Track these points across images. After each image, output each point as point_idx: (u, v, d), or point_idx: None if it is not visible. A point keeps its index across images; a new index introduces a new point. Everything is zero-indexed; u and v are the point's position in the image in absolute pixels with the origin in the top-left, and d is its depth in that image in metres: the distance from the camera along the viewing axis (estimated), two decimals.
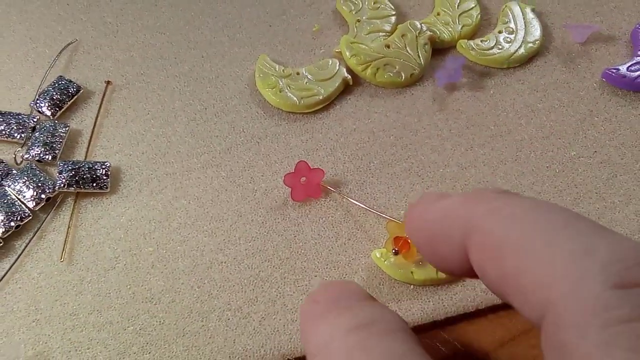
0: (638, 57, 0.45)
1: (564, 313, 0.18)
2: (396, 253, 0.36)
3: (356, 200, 0.39)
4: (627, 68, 0.44)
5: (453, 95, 0.45)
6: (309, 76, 0.45)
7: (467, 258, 0.22)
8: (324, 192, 0.40)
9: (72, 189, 0.39)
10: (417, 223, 0.25)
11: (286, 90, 0.44)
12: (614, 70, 0.44)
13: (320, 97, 0.44)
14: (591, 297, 0.17)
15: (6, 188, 0.39)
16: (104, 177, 0.40)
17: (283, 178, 0.40)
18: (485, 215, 0.21)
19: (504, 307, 0.36)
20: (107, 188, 0.40)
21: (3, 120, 0.41)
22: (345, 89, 0.45)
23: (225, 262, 0.37)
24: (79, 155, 0.42)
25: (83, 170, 0.39)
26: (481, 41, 0.46)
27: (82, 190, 0.39)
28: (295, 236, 0.39)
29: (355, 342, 0.21)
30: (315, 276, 0.37)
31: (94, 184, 0.39)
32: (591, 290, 0.17)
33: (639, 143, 0.42)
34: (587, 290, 0.17)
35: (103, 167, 0.40)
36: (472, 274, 0.23)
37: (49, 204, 0.39)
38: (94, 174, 0.39)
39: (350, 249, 0.38)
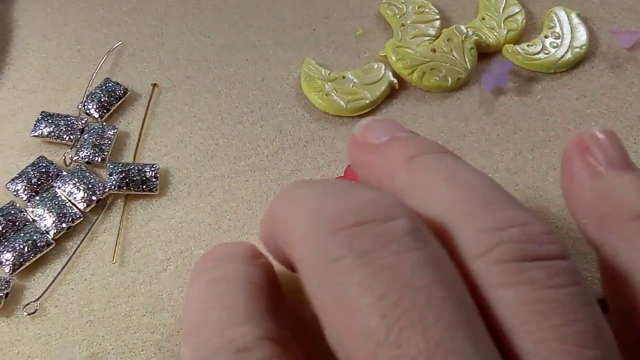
0: None
1: (302, 263, 0.22)
2: None
3: None
4: None
5: (500, 100, 0.44)
6: (355, 80, 0.44)
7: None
8: None
9: (122, 190, 0.39)
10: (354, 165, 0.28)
11: (332, 94, 0.44)
12: None
13: (367, 101, 0.44)
14: (316, 244, 0.21)
15: (57, 190, 0.39)
16: (153, 180, 0.40)
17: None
18: (275, 205, 0.25)
19: None
20: (156, 190, 0.40)
21: (52, 122, 0.42)
22: (392, 93, 0.45)
23: (275, 265, 0.37)
24: (127, 158, 0.42)
25: (132, 173, 0.39)
26: (527, 46, 0.46)
27: (132, 192, 0.39)
28: None
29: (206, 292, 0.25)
30: None
31: (144, 186, 0.39)
32: (316, 239, 0.21)
33: None
34: (313, 240, 0.21)
35: (152, 169, 0.40)
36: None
37: (99, 205, 0.39)
38: (143, 176, 0.39)
39: None
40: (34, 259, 0.36)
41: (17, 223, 0.38)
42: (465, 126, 0.43)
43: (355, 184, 0.24)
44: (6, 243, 0.37)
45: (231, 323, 0.24)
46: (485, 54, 0.47)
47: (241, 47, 0.48)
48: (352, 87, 0.44)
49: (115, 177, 0.39)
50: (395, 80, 0.45)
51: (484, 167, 0.41)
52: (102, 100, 0.43)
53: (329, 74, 0.45)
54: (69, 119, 0.42)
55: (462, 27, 0.46)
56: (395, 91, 0.45)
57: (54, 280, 0.36)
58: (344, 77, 0.45)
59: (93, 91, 0.43)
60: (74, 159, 0.40)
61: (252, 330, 0.23)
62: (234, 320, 0.24)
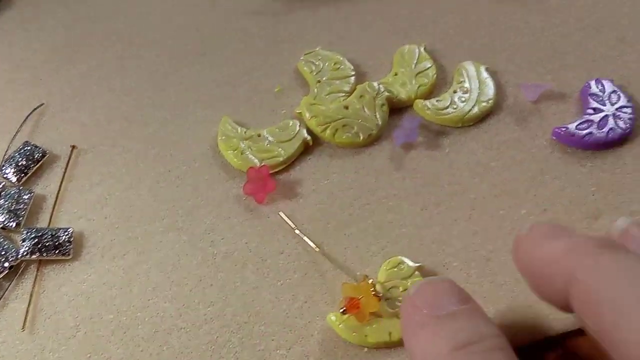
0: (586, 116, 0.47)
1: None
2: (344, 312, 0.37)
3: (311, 241, 0.40)
4: (576, 126, 0.46)
5: (410, 155, 0.46)
6: (270, 138, 0.46)
7: (567, 302, 0.25)
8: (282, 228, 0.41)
9: (35, 256, 0.40)
10: (523, 259, 0.28)
11: (247, 153, 0.45)
12: (563, 129, 0.46)
13: (281, 159, 0.45)
14: None
15: None
16: (67, 244, 0.41)
17: (242, 187, 0.43)
18: (586, 271, 0.24)
19: None
20: (69, 254, 0.41)
21: None
22: (306, 149, 0.46)
23: (184, 328, 0.38)
24: (43, 221, 0.43)
25: (46, 238, 0.40)
26: (437, 101, 0.48)
27: (45, 258, 0.40)
28: (253, 300, 0.40)
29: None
30: (272, 340, 0.38)
31: (57, 251, 0.40)
32: None
33: (586, 200, 0.43)
34: None
35: (66, 233, 0.41)
36: (572, 311, 0.25)
37: (12, 272, 0.40)
38: (56, 241, 0.40)
39: (307, 311, 0.39)
40: None
41: None
42: (376, 181, 0.45)
43: None
44: None
45: None
46: (397, 108, 0.49)
47: (162, 106, 0.49)
48: (267, 145, 0.46)
49: (28, 243, 0.40)
50: (309, 137, 0.46)
51: (391, 222, 0.43)
52: (20, 164, 0.44)
53: (245, 132, 0.46)
54: None
55: (374, 84, 0.48)
56: (309, 147, 0.46)
57: None
58: (259, 135, 0.46)
59: (12, 155, 0.44)
60: None
61: None
62: None
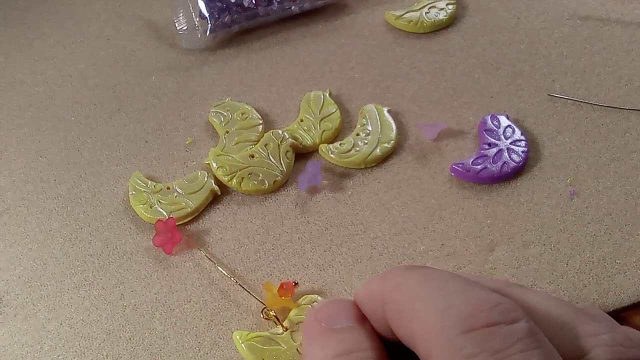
0: (482, 151, 0.49)
1: (435, 357, 0.24)
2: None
3: (222, 269, 0.42)
4: (472, 162, 0.48)
5: (315, 198, 0.48)
6: (179, 190, 0.48)
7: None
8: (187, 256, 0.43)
9: None
10: (360, 304, 0.31)
11: (157, 206, 0.47)
12: (460, 165, 0.48)
13: (189, 210, 0.47)
14: (448, 342, 0.24)
15: None
16: None
17: (152, 240, 0.45)
18: (391, 292, 0.28)
19: None
20: None
21: None
22: (215, 199, 0.48)
23: None
24: None
25: None
26: (340, 144, 0.50)
27: None
28: (160, 349, 0.41)
29: None
30: None
31: None
32: (448, 337, 0.24)
33: (481, 233, 0.45)
34: (445, 337, 0.24)
35: None
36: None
37: None
38: None
39: (213, 357, 0.41)
40: None
41: None
42: (281, 226, 0.47)
43: (473, 283, 0.27)
44: None
45: None
46: (303, 154, 0.51)
47: (76, 165, 0.51)
48: (176, 197, 0.47)
49: None
50: (217, 187, 0.48)
51: (295, 264, 0.45)
52: None
53: (154, 186, 0.48)
54: None
55: (279, 131, 0.50)
56: (218, 197, 0.48)
57: None
58: (168, 188, 0.48)
59: None
60: None
61: None
62: None
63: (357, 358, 0.28)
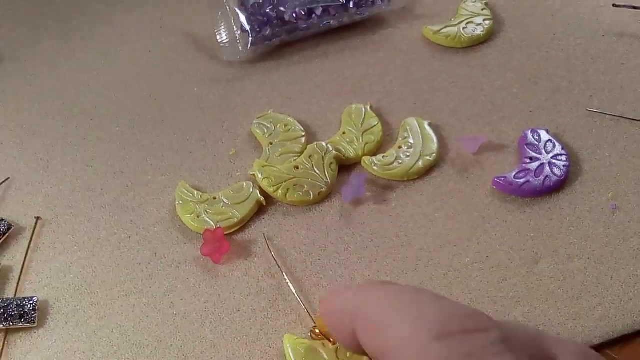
0: (524, 165, 0.49)
1: None
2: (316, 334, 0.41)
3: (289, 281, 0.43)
4: (514, 176, 0.49)
5: (358, 210, 0.49)
6: (225, 200, 0.48)
7: (357, 338, 0.29)
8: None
9: (1, 326, 0.42)
10: (325, 315, 0.33)
11: (204, 215, 0.47)
12: (502, 178, 0.49)
13: (236, 220, 0.47)
14: (422, 347, 0.25)
15: None
16: (32, 312, 0.43)
17: (200, 250, 0.46)
18: (363, 304, 0.29)
19: None
20: (34, 323, 0.42)
21: None
22: (260, 209, 0.49)
23: None
24: (9, 291, 0.45)
25: (12, 308, 0.42)
26: (383, 157, 0.51)
27: (11, 327, 0.42)
28: (211, 357, 0.42)
29: None
30: None
31: (22, 320, 0.42)
32: (422, 343, 0.25)
33: (526, 246, 0.46)
34: (419, 344, 0.25)
35: (31, 302, 0.43)
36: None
37: None
38: (21, 310, 0.42)
39: None
40: None
41: None
42: (327, 237, 0.47)
43: (445, 297, 0.28)
44: None
45: None
46: (346, 166, 0.51)
47: (122, 174, 0.51)
48: (222, 207, 0.48)
49: None
50: (262, 198, 0.49)
51: (342, 275, 0.45)
52: None
53: (201, 196, 0.49)
54: None
55: (323, 144, 0.51)
56: (263, 207, 0.49)
57: None
58: (215, 198, 0.49)
59: None
60: None
61: None
62: None
63: None
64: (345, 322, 0.30)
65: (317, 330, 0.41)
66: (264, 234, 0.47)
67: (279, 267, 0.45)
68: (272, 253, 0.46)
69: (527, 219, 0.48)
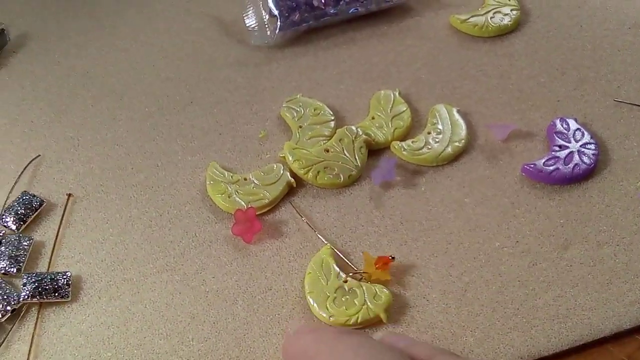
0: (553, 152, 0.50)
1: None
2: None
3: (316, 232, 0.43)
4: (543, 163, 0.49)
5: (388, 193, 0.49)
6: (256, 181, 0.49)
7: None
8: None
9: (36, 299, 0.42)
10: (288, 353, 0.36)
11: (235, 196, 0.48)
12: (532, 166, 0.49)
13: (267, 201, 0.48)
14: None
15: None
16: (66, 287, 0.43)
17: (231, 229, 0.46)
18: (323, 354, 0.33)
19: None
20: (68, 297, 0.43)
21: None
22: (290, 191, 0.49)
23: None
24: (42, 266, 0.45)
25: (46, 282, 0.43)
26: (412, 142, 0.51)
27: (45, 301, 0.42)
28: (245, 334, 0.42)
29: None
30: None
31: (56, 294, 0.42)
32: None
33: (555, 232, 0.46)
34: None
35: (64, 277, 0.43)
36: None
37: (15, 314, 0.42)
38: (55, 284, 0.43)
39: None
40: None
41: None
42: (357, 219, 0.48)
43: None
44: None
45: None
46: (375, 150, 0.52)
47: (152, 154, 0.52)
48: (253, 188, 0.48)
49: (28, 287, 0.42)
50: (292, 180, 0.49)
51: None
52: (19, 212, 0.46)
53: (231, 177, 0.49)
54: None
55: (353, 128, 0.51)
56: (293, 189, 0.49)
57: None
58: (245, 179, 0.49)
59: (11, 204, 0.47)
60: None
61: None
62: None
63: None
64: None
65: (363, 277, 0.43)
66: (290, 202, 0.48)
67: (310, 227, 0.45)
68: (303, 218, 0.46)
69: (556, 206, 0.48)
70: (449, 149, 0.51)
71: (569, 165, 0.49)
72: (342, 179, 0.49)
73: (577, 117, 0.52)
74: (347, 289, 0.43)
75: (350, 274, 0.43)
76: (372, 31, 0.61)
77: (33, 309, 0.43)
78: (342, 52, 0.59)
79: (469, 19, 0.60)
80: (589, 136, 0.51)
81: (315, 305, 0.42)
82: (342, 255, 0.45)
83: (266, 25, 0.59)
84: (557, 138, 0.51)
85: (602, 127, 0.52)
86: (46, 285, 0.43)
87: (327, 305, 0.42)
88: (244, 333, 0.42)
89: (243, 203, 0.47)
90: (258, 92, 0.56)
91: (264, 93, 0.56)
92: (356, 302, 0.42)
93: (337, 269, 0.43)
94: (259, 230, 0.46)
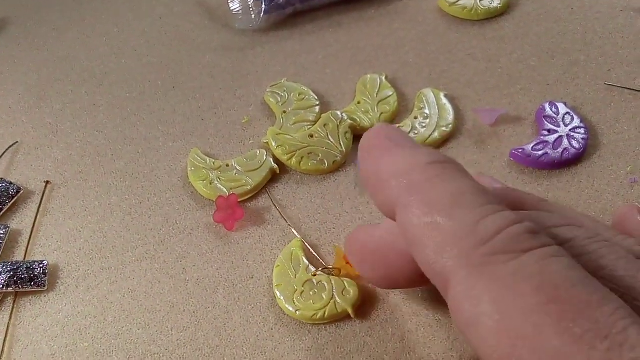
0: (542, 137, 0.49)
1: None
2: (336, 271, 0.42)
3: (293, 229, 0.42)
4: (532, 147, 0.48)
5: None
6: (238, 167, 0.48)
7: (413, 266, 0.28)
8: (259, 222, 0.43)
9: (11, 289, 0.41)
10: (360, 243, 0.34)
11: (216, 182, 0.47)
12: (520, 150, 0.48)
13: (249, 187, 0.47)
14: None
15: None
16: (42, 276, 0.42)
17: (213, 217, 0.45)
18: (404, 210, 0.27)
19: None
20: (44, 286, 0.42)
21: None
22: (273, 178, 0.48)
23: (157, 354, 0.40)
24: (19, 255, 0.44)
25: (21, 271, 0.42)
26: (398, 127, 0.50)
27: (21, 290, 0.41)
28: (225, 323, 0.41)
29: (435, 174, 0.27)
30: None
31: (32, 283, 0.41)
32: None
33: None
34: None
35: (40, 266, 0.42)
36: (417, 281, 0.31)
37: None
38: (31, 274, 0.42)
39: (278, 333, 0.40)
40: None
41: None
42: (341, 206, 0.47)
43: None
44: None
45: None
46: (361, 135, 0.50)
47: (133, 141, 0.50)
48: (236, 174, 0.47)
49: (4, 276, 0.41)
50: (276, 166, 0.48)
51: None
52: None
53: (213, 163, 0.48)
54: None
55: (338, 113, 0.50)
56: (276, 175, 0.48)
57: None
58: (227, 165, 0.48)
59: None
60: None
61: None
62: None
63: (455, 165, 0.28)
64: (388, 199, 0.28)
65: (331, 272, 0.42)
66: (267, 191, 0.47)
67: (284, 219, 0.44)
68: (277, 208, 0.45)
69: (544, 191, 0.47)
70: (436, 134, 0.49)
71: (558, 150, 0.48)
72: (326, 164, 0.48)
73: (567, 101, 0.51)
74: (315, 282, 0.41)
75: (320, 269, 0.42)
76: (359, 15, 0.60)
77: (9, 298, 0.42)
78: (328, 36, 0.58)
79: (457, 2, 0.59)
80: (579, 120, 0.50)
81: (282, 298, 0.41)
82: (311, 250, 0.43)
83: (251, 9, 0.58)
84: (546, 122, 0.50)
85: (592, 111, 0.51)
86: (22, 274, 0.42)
87: (294, 299, 0.41)
88: (224, 322, 0.41)
89: (225, 190, 0.46)
90: (242, 77, 0.55)
91: (248, 78, 0.55)
92: (324, 296, 0.41)
93: (307, 262, 0.42)
94: (241, 218, 0.45)
